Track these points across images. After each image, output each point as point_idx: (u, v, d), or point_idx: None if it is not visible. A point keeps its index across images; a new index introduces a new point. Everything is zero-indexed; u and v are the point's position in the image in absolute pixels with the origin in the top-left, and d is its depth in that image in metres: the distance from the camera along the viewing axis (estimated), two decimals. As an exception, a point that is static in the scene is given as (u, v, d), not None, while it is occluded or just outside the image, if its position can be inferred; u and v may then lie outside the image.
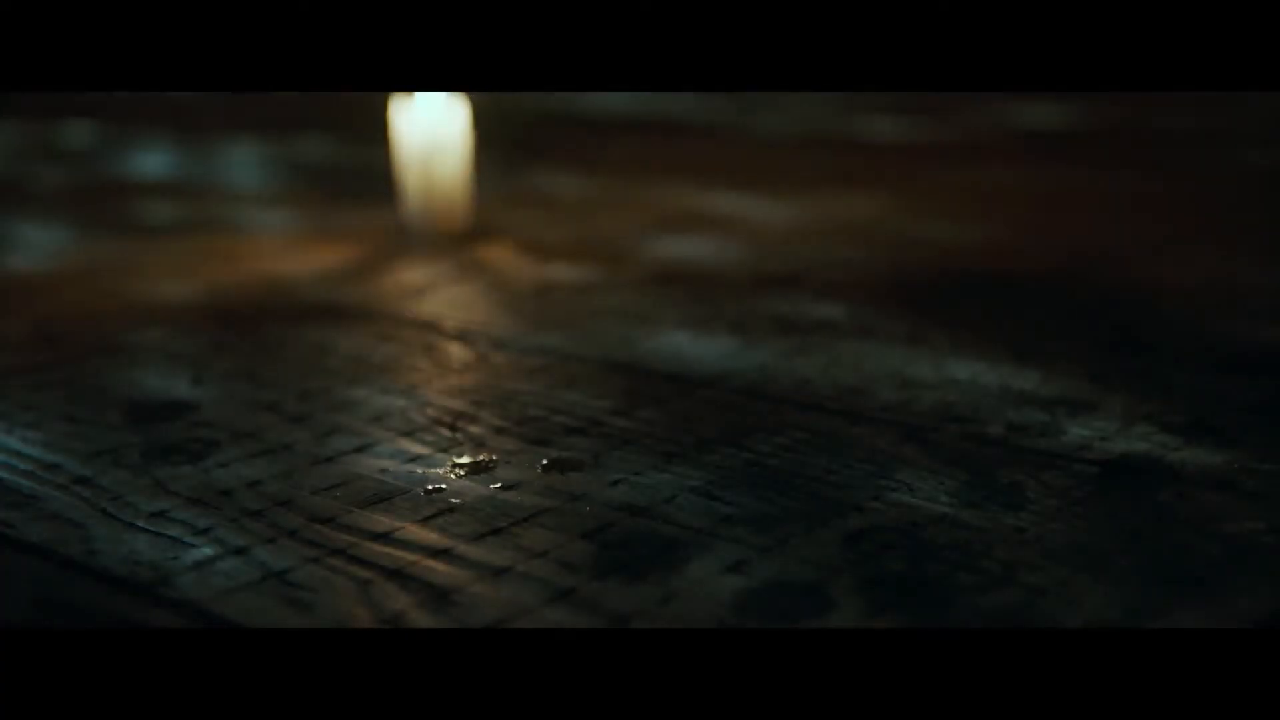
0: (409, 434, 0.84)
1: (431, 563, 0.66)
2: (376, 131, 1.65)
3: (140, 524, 0.71)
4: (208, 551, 0.68)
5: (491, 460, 0.79)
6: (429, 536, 0.69)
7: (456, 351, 1.03)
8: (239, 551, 0.67)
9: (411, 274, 1.28)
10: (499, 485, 0.75)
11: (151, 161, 2.11)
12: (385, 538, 0.69)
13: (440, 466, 0.78)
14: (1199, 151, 1.86)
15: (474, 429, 0.84)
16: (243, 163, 2.07)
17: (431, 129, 1.44)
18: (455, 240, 1.43)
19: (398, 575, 0.64)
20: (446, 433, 0.84)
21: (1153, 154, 1.86)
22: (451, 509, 0.72)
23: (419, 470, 0.78)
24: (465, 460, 0.79)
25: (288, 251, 1.41)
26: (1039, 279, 1.20)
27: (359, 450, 0.81)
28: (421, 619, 0.60)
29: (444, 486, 0.75)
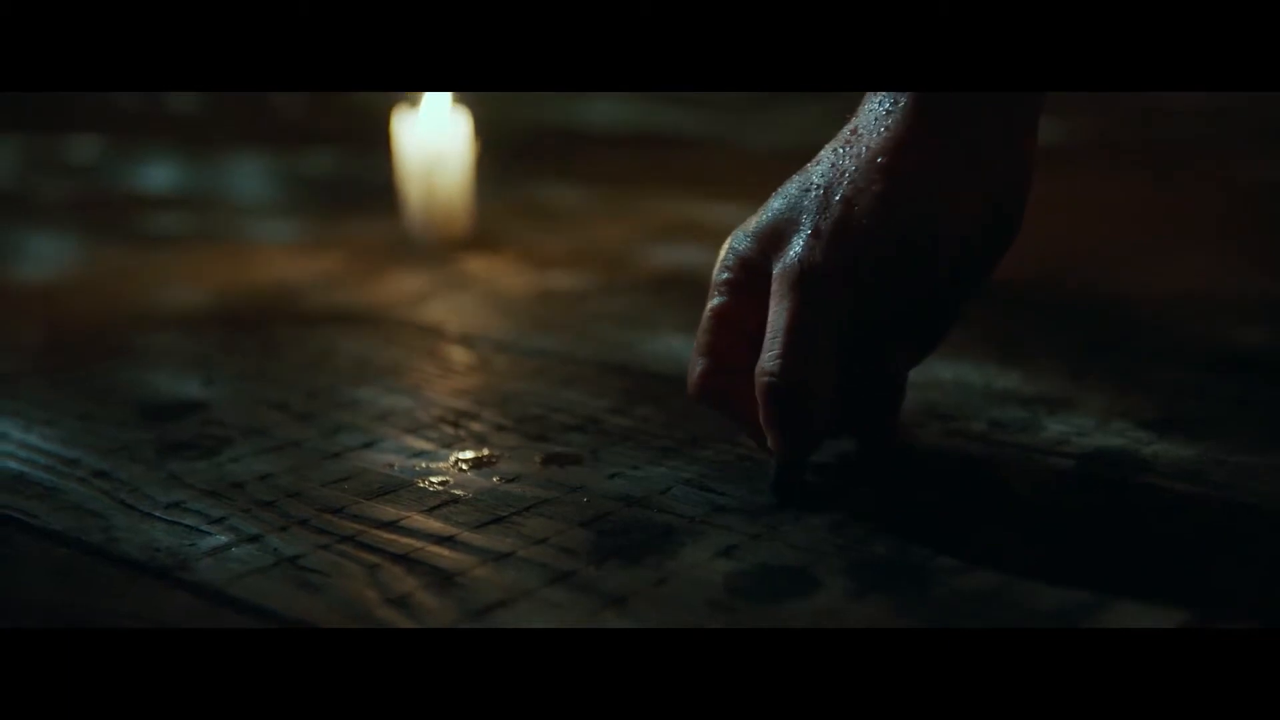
0: (413, 431, 0.87)
1: (436, 549, 0.69)
2: (379, 143, 1.68)
3: (158, 514, 0.74)
4: (223, 539, 0.71)
5: (493, 455, 0.82)
6: (433, 525, 0.72)
7: (458, 354, 1.06)
8: (253, 539, 0.71)
9: (414, 281, 1.32)
10: (500, 478, 0.79)
11: (159, 174, 2.14)
12: (392, 526, 0.72)
13: (444, 461, 0.82)
14: (1188, 160, 1.90)
15: (476, 427, 0.88)
16: (248, 174, 2.11)
17: (433, 140, 1.47)
18: (456, 248, 1.46)
19: (404, 560, 0.68)
20: (449, 430, 0.87)
21: (1141, 161, 1.90)
22: (455, 500, 0.75)
23: (423, 464, 0.81)
24: (468, 455, 0.82)
25: (293, 259, 1.44)
26: (1024, 282, 1.23)
27: (365, 446, 0.84)
28: (427, 600, 0.63)
29: (448, 479, 0.79)
